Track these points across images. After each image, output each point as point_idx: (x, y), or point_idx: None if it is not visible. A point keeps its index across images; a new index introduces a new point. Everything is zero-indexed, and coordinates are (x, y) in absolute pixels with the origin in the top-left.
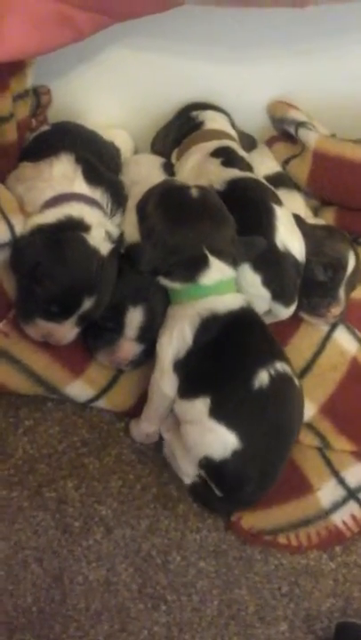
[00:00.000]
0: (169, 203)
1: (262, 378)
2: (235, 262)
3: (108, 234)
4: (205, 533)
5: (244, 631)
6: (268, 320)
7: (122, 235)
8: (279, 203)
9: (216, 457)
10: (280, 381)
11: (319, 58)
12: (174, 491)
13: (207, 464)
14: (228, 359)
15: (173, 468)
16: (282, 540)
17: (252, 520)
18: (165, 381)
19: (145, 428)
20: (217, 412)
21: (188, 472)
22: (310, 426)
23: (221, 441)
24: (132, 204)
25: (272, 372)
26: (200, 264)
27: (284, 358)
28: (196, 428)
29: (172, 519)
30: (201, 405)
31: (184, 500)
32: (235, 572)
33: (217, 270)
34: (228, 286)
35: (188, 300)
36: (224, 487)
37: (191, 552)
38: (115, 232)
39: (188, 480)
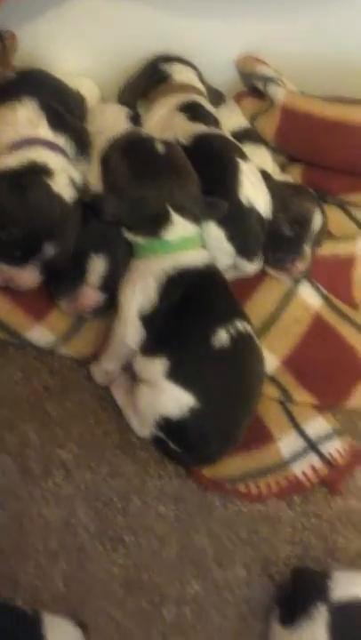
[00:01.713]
0: (134, 156)
1: (222, 337)
2: (197, 219)
3: (72, 180)
4: (166, 480)
5: (202, 574)
6: (233, 275)
7: (86, 183)
8: (245, 158)
9: (173, 417)
10: (240, 340)
11: (290, 14)
12: (135, 438)
13: (166, 425)
14: (189, 318)
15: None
16: (242, 488)
17: (212, 468)
18: (128, 332)
19: (105, 365)
20: (174, 372)
21: (142, 432)
22: (273, 379)
23: (176, 401)
24: (97, 153)
25: (232, 330)
26: (163, 220)
27: (244, 317)
28: (150, 389)
29: (133, 465)
30: (159, 364)
31: (145, 447)
32: (194, 517)
33: (180, 227)
34: (192, 242)
35: (151, 254)
36: (185, 446)
37: (151, 497)
38: (79, 179)
39: (144, 436)
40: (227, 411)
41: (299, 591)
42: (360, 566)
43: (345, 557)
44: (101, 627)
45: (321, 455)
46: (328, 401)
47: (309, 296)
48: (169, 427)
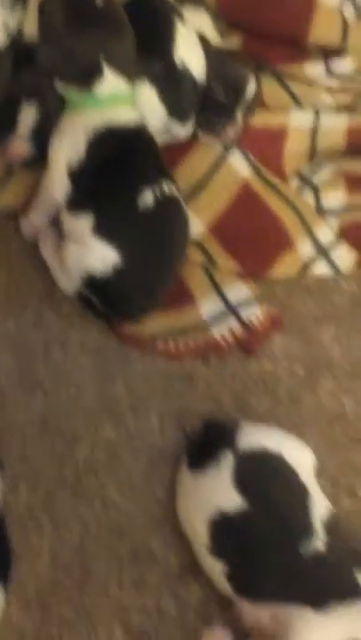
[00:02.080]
0: (71, 5)
1: (147, 197)
2: (130, 77)
3: (6, 25)
4: (88, 333)
5: (117, 421)
6: (164, 139)
7: (21, 31)
8: (182, 20)
9: (98, 274)
10: (165, 201)
11: None
12: (60, 291)
13: (90, 281)
14: (116, 175)
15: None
16: (160, 345)
17: (133, 325)
18: (56, 185)
19: (32, 218)
20: (100, 229)
21: (68, 288)
22: (198, 244)
23: (101, 257)
24: (33, 0)
25: (158, 191)
26: (95, 72)
27: (171, 179)
28: (77, 246)
29: (56, 317)
30: (85, 220)
31: (70, 301)
32: (113, 369)
33: (112, 81)
34: (123, 100)
35: (82, 108)
36: (109, 303)
37: (73, 348)
38: (12, 25)
39: (69, 293)
40: (150, 270)
41: (208, 439)
42: (268, 424)
43: (255, 416)
44: (16, 465)
45: (240, 319)
46: (251, 269)
47: (239, 165)
48: (93, 283)
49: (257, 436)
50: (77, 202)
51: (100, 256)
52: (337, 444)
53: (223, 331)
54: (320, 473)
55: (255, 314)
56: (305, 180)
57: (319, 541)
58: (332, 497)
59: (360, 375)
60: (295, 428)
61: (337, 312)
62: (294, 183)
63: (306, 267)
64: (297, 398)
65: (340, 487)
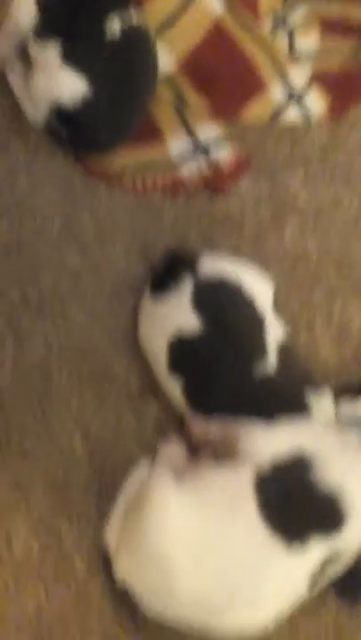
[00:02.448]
0: None
1: (115, 25)
2: None
3: None
4: (55, 164)
5: (82, 250)
6: None
7: None
8: None
9: (66, 104)
10: (133, 32)
11: None
12: (27, 121)
13: (58, 113)
14: (83, 2)
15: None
16: (127, 180)
17: (101, 159)
18: (22, 11)
19: None
20: (67, 58)
21: (36, 120)
22: (169, 81)
23: (69, 86)
24: None
25: (125, 20)
26: None
27: (138, 10)
28: (45, 74)
29: (24, 147)
30: (52, 49)
31: (37, 132)
32: (79, 200)
33: None
34: None
35: None
36: (77, 136)
37: (39, 178)
38: None
39: (37, 126)
40: (118, 101)
41: (170, 267)
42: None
43: (219, 252)
44: None
45: (209, 159)
46: (222, 109)
47: (212, 1)
48: (61, 114)
49: (217, 265)
50: (44, 29)
51: (68, 85)
52: (299, 283)
53: (191, 169)
54: (281, 309)
55: (224, 154)
56: (279, 21)
57: (271, 362)
58: (292, 331)
59: (325, 219)
60: (258, 266)
61: (307, 158)
62: (268, 24)
63: (277, 112)
64: (262, 238)
65: (299, 323)
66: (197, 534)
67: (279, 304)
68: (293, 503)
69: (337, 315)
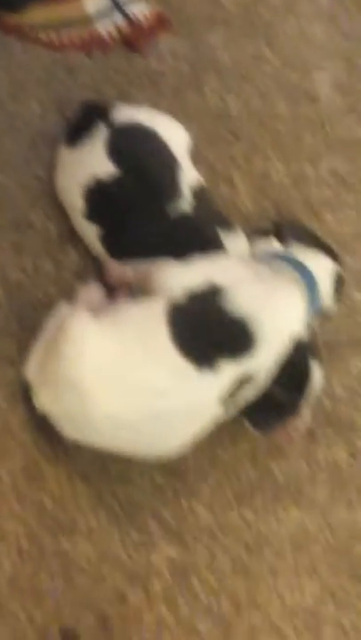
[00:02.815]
0: None
1: None
2: None
3: None
4: None
5: None
6: None
7: None
8: None
9: None
10: None
11: None
12: None
13: None
14: None
15: None
16: (43, 36)
17: (16, 15)
18: None
19: None
20: None
21: None
22: None
23: None
24: None
25: None
26: None
27: None
28: None
29: None
30: None
31: None
32: None
33: None
34: None
35: None
36: None
37: None
38: None
39: None
40: None
41: (85, 117)
42: None
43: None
44: None
45: (126, 15)
46: None
47: None
48: None
49: (132, 113)
50: None
51: None
52: (219, 138)
53: (109, 26)
54: (200, 162)
55: (142, 11)
56: None
57: (186, 204)
58: (212, 184)
59: (245, 77)
60: (178, 121)
61: (227, 17)
62: None
63: None
64: (181, 95)
65: (219, 176)
66: (112, 363)
67: (200, 160)
68: (204, 330)
69: (257, 168)
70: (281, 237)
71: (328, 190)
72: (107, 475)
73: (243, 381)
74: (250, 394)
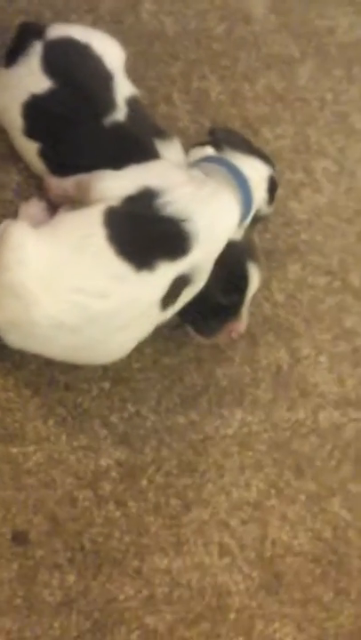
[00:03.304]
0: None
1: None
2: None
3: None
4: None
5: None
6: None
7: None
8: None
9: None
10: None
11: None
12: None
13: None
14: None
15: None
16: None
17: None
18: None
19: None
20: None
21: None
22: None
23: None
24: None
25: None
26: None
27: None
28: None
29: None
30: None
31: None
32: None
33: None
34: None
35: None
36: None
37: None
38: None
39: None
40: None
41: (21, 37)
42: None
43: None
44: None
45: None
46: None
47: None
48: None
49: (66, 29)
50: None
51: None
52: (156, 59)
53: None
54: (139, 82)
55: None
56: None
57: (121, 114)
58: (151, 103)
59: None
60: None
61: None
62: None
63: None
64: (118, 18)
65: (158, 95)
66: (52, 267)
67: (138, 80)
68: (141, 232)
69: (195, 86)
70: (216, 144)
71: (265, 106)
72: (55, 384)
73: (181, 283)
74: (189, 296)
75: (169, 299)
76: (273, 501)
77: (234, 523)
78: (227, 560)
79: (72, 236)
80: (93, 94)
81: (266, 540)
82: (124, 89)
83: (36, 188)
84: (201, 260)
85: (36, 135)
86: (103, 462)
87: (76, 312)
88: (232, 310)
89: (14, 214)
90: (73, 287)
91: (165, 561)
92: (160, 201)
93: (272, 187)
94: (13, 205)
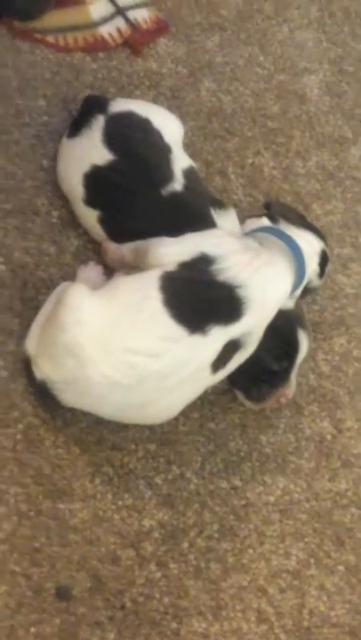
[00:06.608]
0: None
1: None
2: None
3: None
4: None
5: (6, 101)
6: None
7: None
8: None
9: None
10: None
11: None
12: None
13: None
14: None
15: None
16: (50, 39)
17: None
18: None
19: None
20: None
21: None
22: None
23: None
24: None
25: None
26: None
27: None
28: None
29: None
30: None
31: None
32: (3, 56)
33: None
34: None
35: None
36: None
37: None
38: None
39: None
40: None
41: (86, 110)
42: None
43: None
44: None
45: (127, 20)
46: None
47: None
48: None
49: (128, 104)
50: None
51: None
52: (213, 134)
53: (111, 30)
54: (196, 156)
55: (143, 16)
56: None
57: (178, 184)
58: (207, 176)
59: (239, 79)
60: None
61: (223, 23)
62: None
63: None
64: (178, 95)
65: (214, 169)
66: (108, 329)
67: (196, 154)
68: (195, 296)
69: (249, 162)
70: (272, 217)
71: (316, 183)
72: (103, 443)
73: (232, 347)
74: (239, 361)
75: (220, 363)
76: (312, 571)
77: (272, 590)
78: (264, 627)
79: (129, 299)
80: (152, 166)
81: (303, 609)
82: (181, 161)
83: (94, 252)
84: (253, 326)
85: (96, 203)
86: (146, 523)
87: (129, 372)
88: (282, 376)
89: (72, 277)
90: (127, 347)
91: (204, 625)
92: (215, 267)
93: (324, 260)
94: (72, 268)
